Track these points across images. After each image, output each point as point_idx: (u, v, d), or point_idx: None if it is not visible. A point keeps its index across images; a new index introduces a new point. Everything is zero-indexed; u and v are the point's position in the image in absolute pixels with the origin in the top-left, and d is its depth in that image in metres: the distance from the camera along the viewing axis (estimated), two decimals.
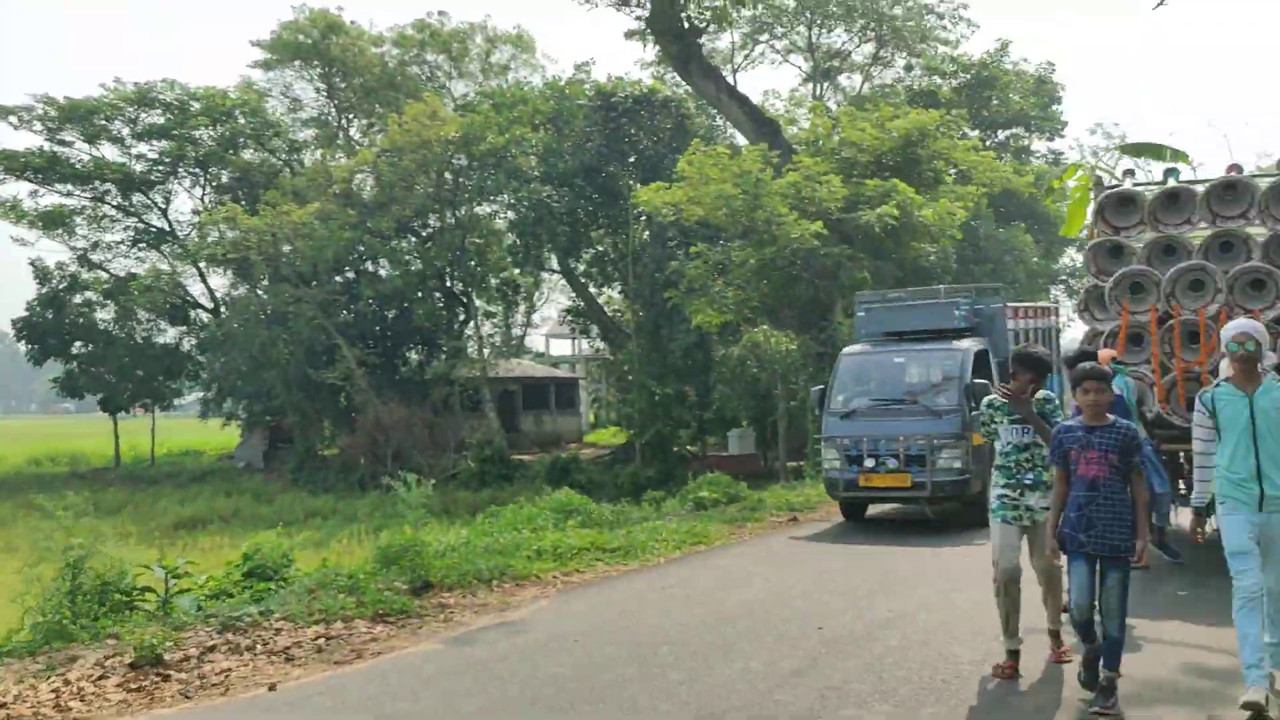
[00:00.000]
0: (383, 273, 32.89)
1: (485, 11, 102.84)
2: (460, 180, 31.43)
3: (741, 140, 26.35)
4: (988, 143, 32.81)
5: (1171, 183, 9.96)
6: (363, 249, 30.83)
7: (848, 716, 5.61)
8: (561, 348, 55.22)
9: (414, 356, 35.36)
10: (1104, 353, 8.57)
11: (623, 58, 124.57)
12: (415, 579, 8.98)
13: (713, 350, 25.99)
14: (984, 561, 6.84)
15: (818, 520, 13.33)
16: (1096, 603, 5.50)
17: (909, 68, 36.24)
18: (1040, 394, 6.30)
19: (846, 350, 13.86)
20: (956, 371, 12.11)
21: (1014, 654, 6.17)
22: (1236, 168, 10.07)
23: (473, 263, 32.03)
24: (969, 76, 34.15)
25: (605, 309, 35.50)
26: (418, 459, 27.84)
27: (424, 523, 11.12)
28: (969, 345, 12.53)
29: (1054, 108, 36.10)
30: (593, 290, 35.44)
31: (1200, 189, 9.59)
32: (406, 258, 32.18)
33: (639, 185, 26.54)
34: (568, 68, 71.07)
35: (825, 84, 37.24)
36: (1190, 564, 8.98)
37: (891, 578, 9.37)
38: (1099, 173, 11.40)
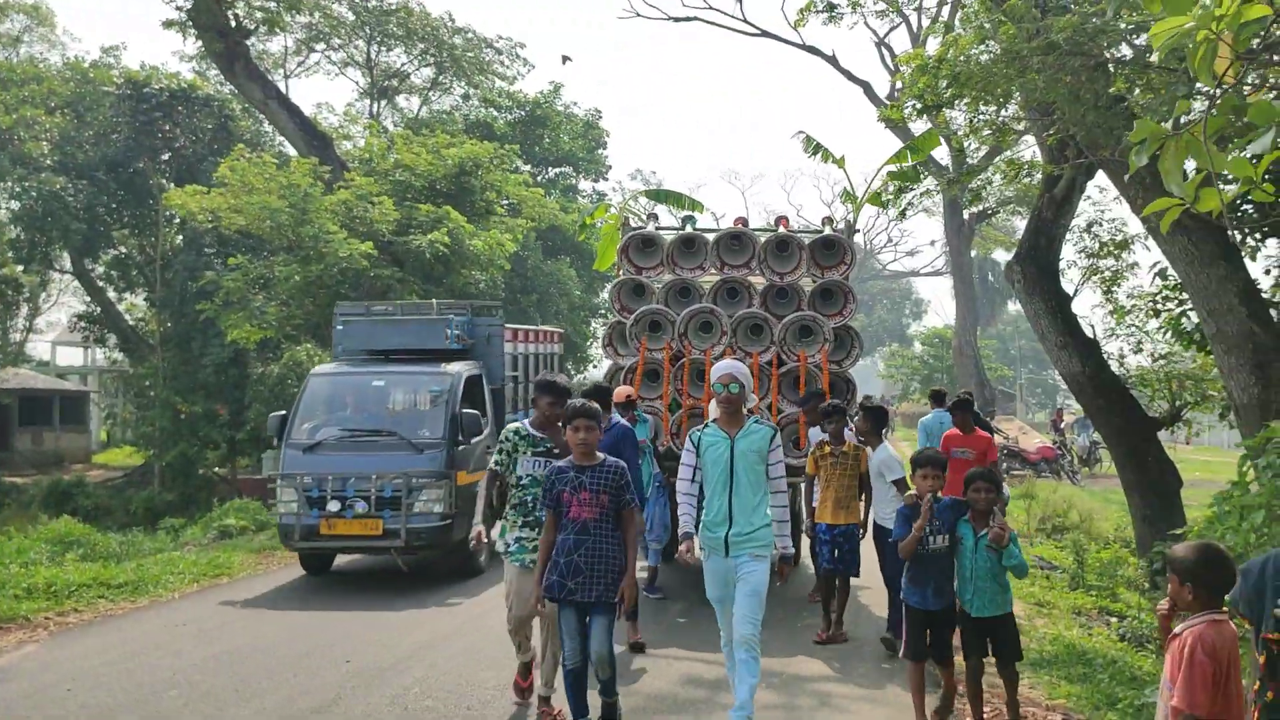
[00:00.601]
0: None
1: None
2: None
3: (290, 150, 25.35)
4: (538, 178, 34.47)
5: (689, 229, 10.47)
6: None
7: None
8: (71, 357, 49.15)
9: None
10: (621, 389, 8.74)
11: (159, 46, 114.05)
12: None
13: (250, 367, 24.63)
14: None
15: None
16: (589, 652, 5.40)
17: (467, 97, 37.08)
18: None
19: (316, 370, 12.14)
20: (444, 399, 10.79)
21: (526, 666, 6.36)
22: (743, 220, 11.05)
23: None
24: (524, 113, 35.69)
25: (126, 317, 32.20)
26: None
27: None
28: (460, 369, 11.22)
29: (600, 151, 38.75)
30: (112, 295, 31.98)
31: (711, 237, 10.20)
32: None
33: (173, 185, 24.54)
34: (93, 49, 63.92)
35: (383, 102, 36.95)
36: (694, 589, 8.61)
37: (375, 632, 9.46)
38: (627, 214, 11.94)
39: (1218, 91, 3.08)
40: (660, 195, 14.05)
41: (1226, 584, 3.63)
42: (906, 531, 5.86)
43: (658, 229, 10.85)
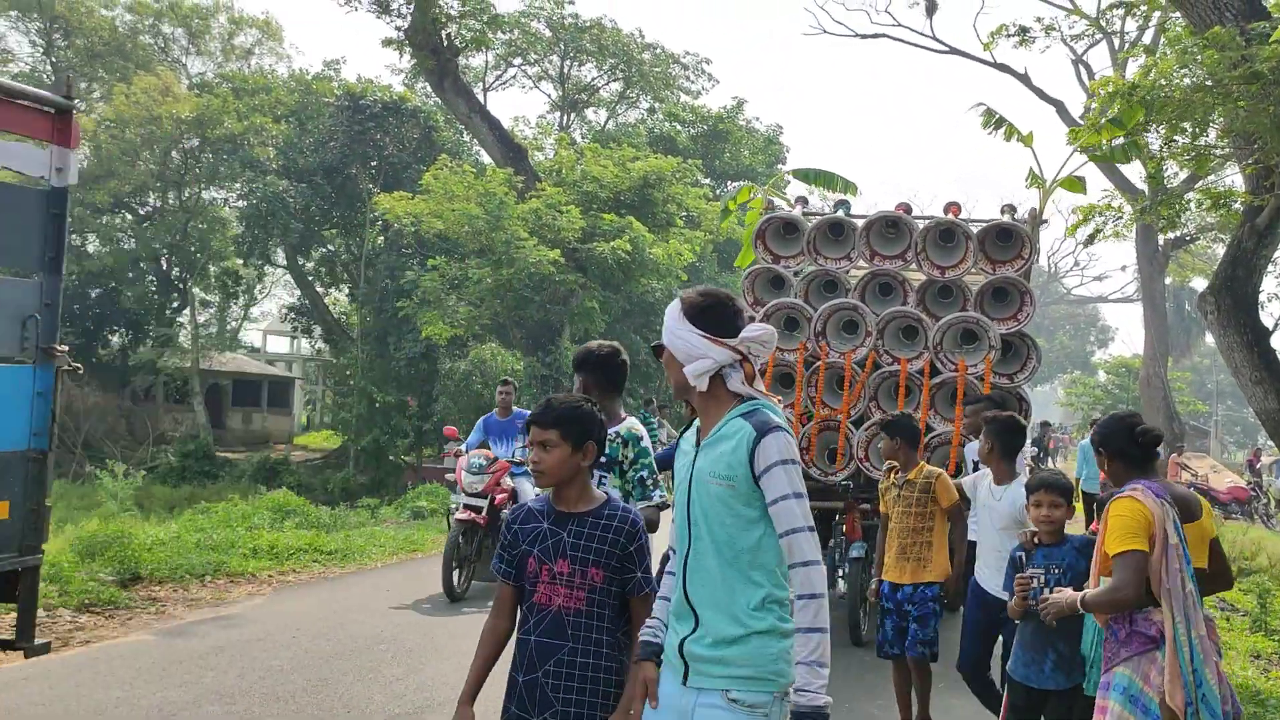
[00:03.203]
0: (91, 249, 30.52)
1: None
2: (190, 162, 29.83)
3: (487, 159, 26.82)
4: (718, 192, 35.12)
5: (840, 214, 9.15)
6: (70, 221, 28.53)
7: None
8: (279, 345, 53.04)
9: (116, 341, 32.97)
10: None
11: (374, 60, 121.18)
12: (123, 571, 8.77)
13: (439, 362, 26.18)
14: None
15: None
16: None
17: (652, 110, 38.12)
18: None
19: None
20: None
21: None
22: (905, 207, 9.14)
23: (194, 249, 30.43)
24: (706, 127, 36.40)
25: (331, 310, 34.70)
26: (111, 449, 26.04)
27: (125, 515, 10.79)
28: None
29: (779, 167, 39.11)
30: (319, 290, 34.55)
31: (861, 224, 8.73)
32: (118, 235, 30.07)
33: (379, 190, 26.37)
34: (316, 62, 68.40)
35: (573, 114, 38.44)
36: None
37: None
38: (772, 197, 10.59)
39: None
40: (809, 175, 12.63)
41: None
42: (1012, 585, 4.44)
43: (806, 214, 9.41)
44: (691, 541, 2.91)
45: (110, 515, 10.38)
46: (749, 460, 2.81)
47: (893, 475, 5.95)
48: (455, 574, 9.11)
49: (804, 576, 2.77)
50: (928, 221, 8.66)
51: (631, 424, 4.23)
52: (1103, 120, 10.15)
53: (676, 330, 2.95)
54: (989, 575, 5.29)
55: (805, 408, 8.43)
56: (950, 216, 8.74)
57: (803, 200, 10.05)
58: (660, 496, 4.25)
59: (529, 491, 8.77)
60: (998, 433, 5.45)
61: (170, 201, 30.67)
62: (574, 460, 3.16)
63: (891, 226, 8.76)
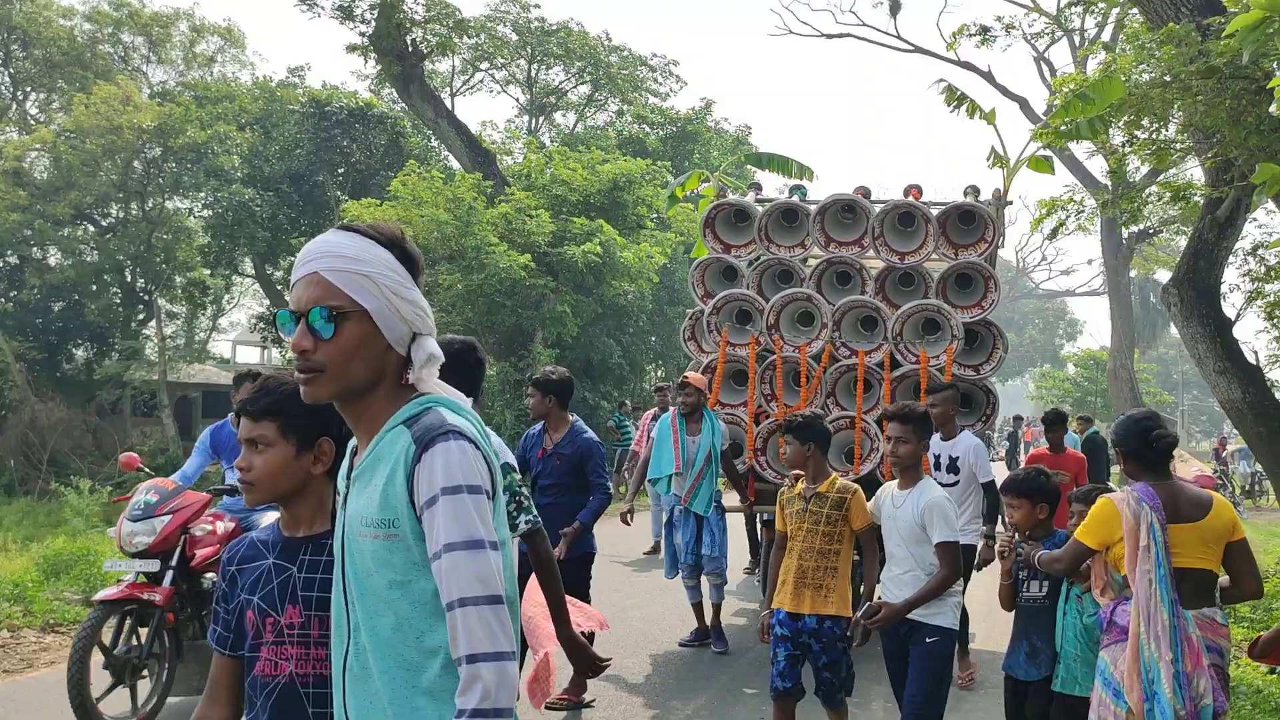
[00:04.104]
0: (53, 261, 30.12)
1: None
2: (152, 172, 29.51)
3: (456, 165, 26.73)
4: (688, 193, 35.13)
5: (795, 199, 8.71)
6: (31, 233, 28.13)
7: None
8: (250, 355, 52.59)
9: (80, 354, 32.54)
10: (694, 376, 7.72)
11: (339, 66, 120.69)
12: (89, 589, 8.65)
13: None
14: None
15: None
16: None
17: (621, 113, 38.12)
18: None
19: None
20: None
21: None
22: (864, 191, 8.51)
23: (159, 260, 30.08)
24: (675, 129, 36.44)
25: None
26: (78, 464, 25.68)
27: (92, 532, 10.64)
28: None
29: (748, 167, 39.18)
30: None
31: (814, 209, 8.26)
32: (81, 247, 29.68)
33: (347, 198, 26.20)
34: (280, 69, 68.05)
35: (541, 118, 38.38)
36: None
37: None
38: (722, 183, 10.18)
39: None
40: (761, 160, 11.86)
41: None
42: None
43: (759, 200, 8.87)
44: (350, 637, 1.88)
45: (76, 533, 10.20)
46: (408, 490, 1.79)
47: (798, 486, 5.10)
48: (116, 690, 5.50)
49: (474, 681, 1.70)
50: (885, 205, 8.18)
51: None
52: (1071, 97, 9.91)
53: (372, 264, 1.89)
54: (895, 596, 4.73)
55: (760, 406, 8.07)
56: (910, 199, 8.25)
57: (756, 187, 9.62)
58: (528, 521, 3.77)
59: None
60: (916, 431, 4.77)
61: (133, 212, 30.28)
62: (299, 465, 2.24)
63: (848, 211, 8.31)
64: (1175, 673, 3.76)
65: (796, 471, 5.17)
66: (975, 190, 8.57)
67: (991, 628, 8.68)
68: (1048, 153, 11.36)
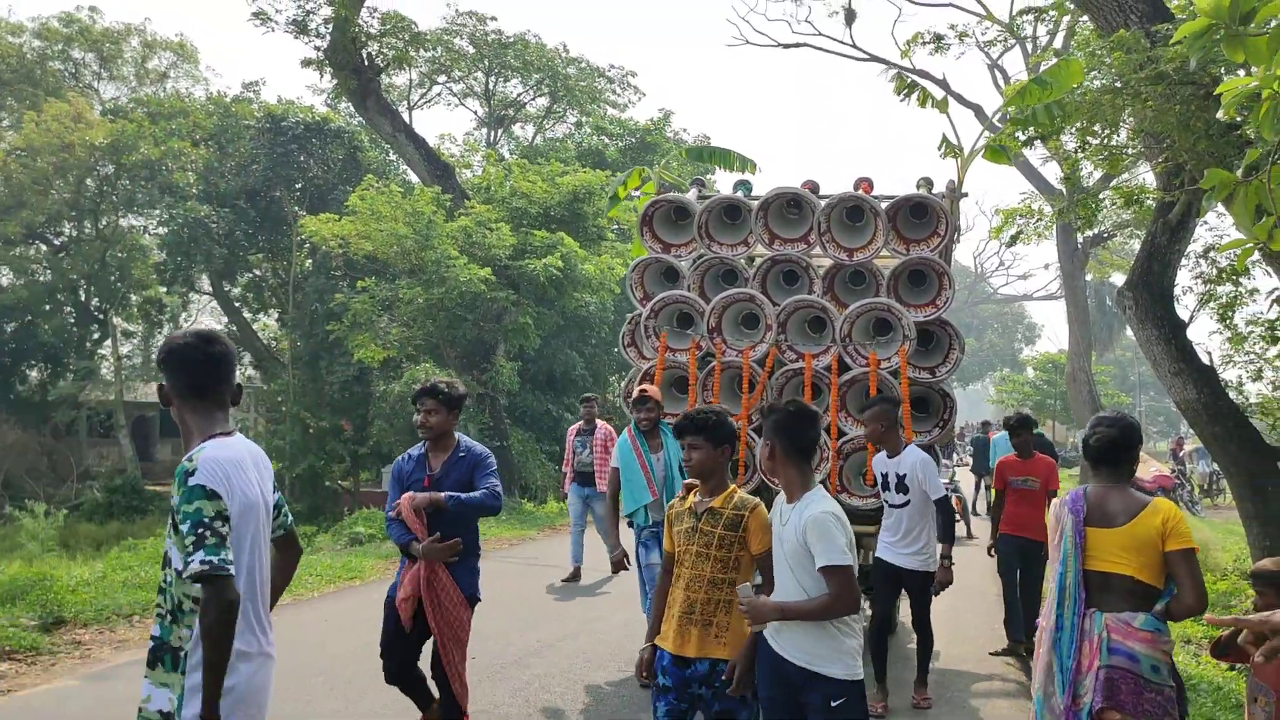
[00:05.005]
0: (4, 281, 29.59)
1: (145, 14, 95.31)
2: (105, 189, 29.10)
3: (415, 178, 26.60)
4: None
5: (740, 195, 8.22)
6: None
7: None
8: None
9: (34, 375, 31.97)
10: (652, 389, 7.14)
11: (295, 81, 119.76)
12: (45, 614, 8.46)
13: (373, 385, 25.82)
14: None
15: None
16: None
17: (579, 125, 38.14)
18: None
19: None
20: None
21: None
22: (813, 185, 8.22)
23: (113, 278, 29.65)
24: (634, 140, 36.51)
25: (259, 336, 34.07)
26: (33, 487, 25.21)
27: (49, 555, 10.43)
28: None
29: (709, 176, 39.34)
30: (247, 316, 33.91)
31: (756, 204, 7.82)
32: (33, 267, 29.19)
33: (305, 213, 25.97)
34: (234, 84, 67.36)
35: (500, 130, 38.31)
36: None
37: (540, 608, 10.05)
38: (664, 180, 9.83)
39: None
40: (703, 154, 11.51)
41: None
42: None
43: (702, 197, 8.35)
44: None
45: (32, 557, 9.99)
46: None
47: (690, 499, 4.26)
48: None
49: None
50: (831, 199, 7.66)
51: (196, 451, 3.04)
52: (1028, 82, 9.84)
53: None
54: (776, 640, 3.93)
55: None
56: (860, 193, 7.76)
57: (699, 183, 9.15)
58: (201, 562, 2.80)
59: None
60: (777, 429, 4.01)
61: (86, 230, 29.86)
62: None
63: (793, 207, 7.85)
64: (1061, 668, 3.97)
65: (691, 481, 4.34)
66: (928, 182, 8.19)
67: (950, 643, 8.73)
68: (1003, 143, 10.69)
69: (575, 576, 11.48)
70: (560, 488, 15.40)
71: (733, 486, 4.25)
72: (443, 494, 5.15)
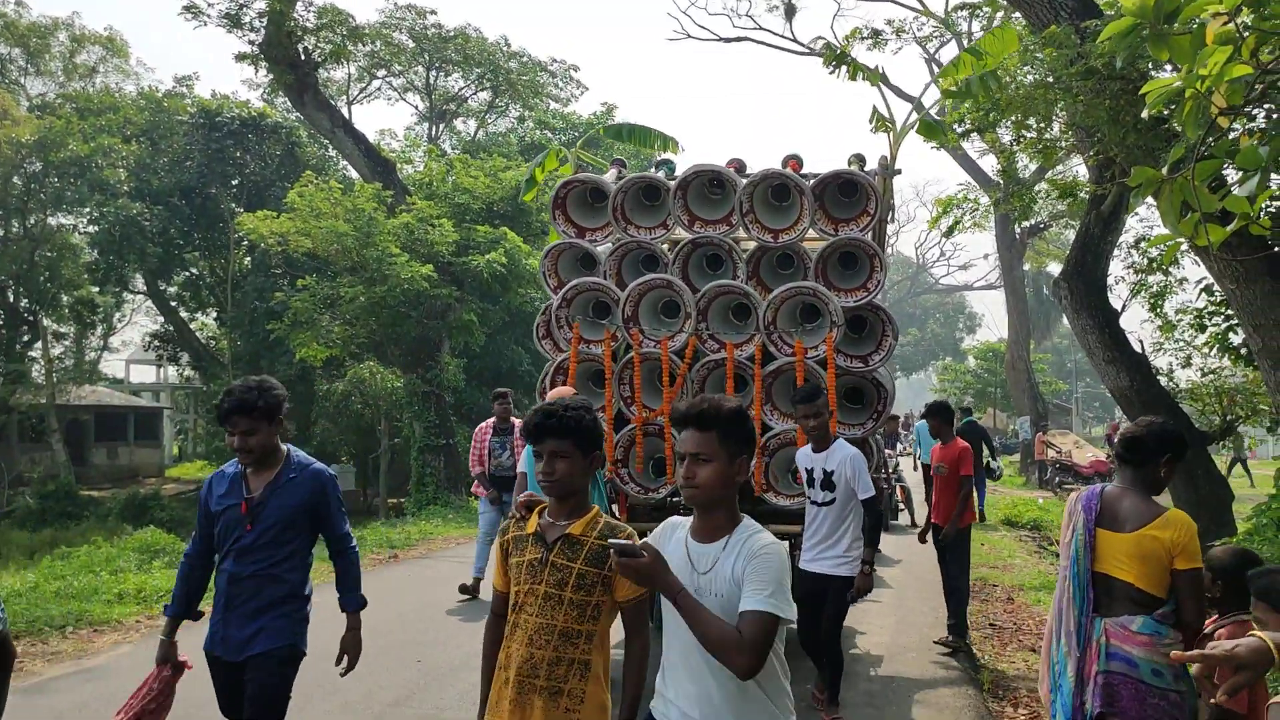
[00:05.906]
0: None
1: (73, 8, 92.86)
2: (33, 187, 28.30)
3: (354, 174, 26.25)
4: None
5: (660, 174, 7.67)
6: None
7: None
8: (145, 374, 50.84)
9: None
10: (561, 390, 6.55)
11: (230, 76, 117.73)
12: None
13: (316, 384, 25.46)
14: None
15: (418, 557, 13.65)
16: None
17: (522, 119, 37.91)
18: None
19: None
20: None
21: None
22: (738, 164, 7.82)
23: (43, 278, 28.88)
24: (577, 134, 36.39)
25: (198, 336, 33.43)
26: None
27: None
28: None
29: (653, 169, 39.26)
30: (184, 315, 33.25)
31: (674, 183, 7.29)
32: None
33: (242, 210, 25.52)
34: (166, 79, 66.17)
35: (441, 125, 37.94)
36: None
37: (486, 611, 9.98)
38: (581, 162, 9.19)
39: (1210, 141, 3.44)
40: (622, 132, 10.78)
41: (1258, 591, 3.82)
42: None
43: (621, 179, 7.76)
44: None
45: None
46: None
47: (532, 522, 3.18)
48: None
49: None
50: (754, 176, 7.13)
51: None
52: (963, 53, 9.82)
53: None
54: (681, 693, 2.79)
55: (619, 410, 7.06)
56: (787, 170, 7.22)
57: (620, 163, 8.63)
58: None
59: None
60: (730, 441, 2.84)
61: (14, 229, 29.04)
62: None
63: (716, 186, 7.37)
64: (1077, 670, 3.90)
65: (527, 497, 3.33)
66: (860, 159, 7.58)
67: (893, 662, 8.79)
68: (937, 116, 10.54)
69: (475, 589, 10.35)
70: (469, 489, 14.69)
71: (595, 509, 3.16)
72: (350, 615, 4.44)
